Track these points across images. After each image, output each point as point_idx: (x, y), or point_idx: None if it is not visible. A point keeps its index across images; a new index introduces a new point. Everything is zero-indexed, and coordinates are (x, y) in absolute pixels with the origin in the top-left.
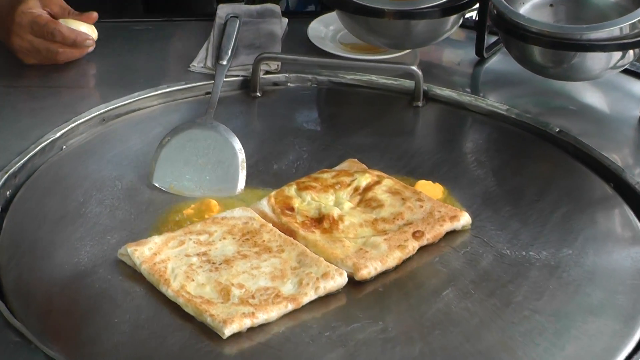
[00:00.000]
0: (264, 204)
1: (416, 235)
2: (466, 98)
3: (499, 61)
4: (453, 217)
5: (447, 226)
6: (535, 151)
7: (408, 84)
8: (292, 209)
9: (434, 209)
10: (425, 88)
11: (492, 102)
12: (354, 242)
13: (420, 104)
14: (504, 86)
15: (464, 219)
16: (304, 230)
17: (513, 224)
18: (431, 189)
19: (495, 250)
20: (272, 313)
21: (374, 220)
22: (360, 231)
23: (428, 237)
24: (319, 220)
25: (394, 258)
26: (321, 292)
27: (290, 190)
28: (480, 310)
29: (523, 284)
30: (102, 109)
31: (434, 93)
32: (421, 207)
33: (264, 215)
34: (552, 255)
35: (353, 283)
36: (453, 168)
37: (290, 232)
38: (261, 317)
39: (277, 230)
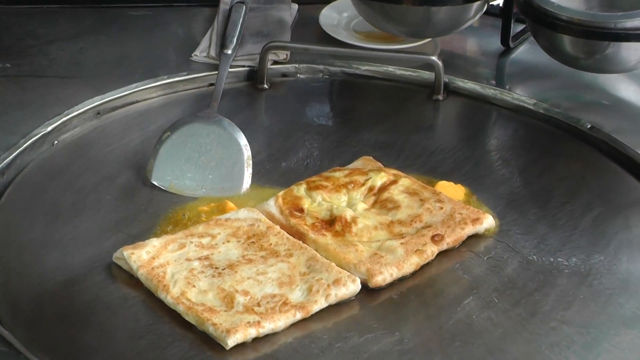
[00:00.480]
0: (271, 205)
1: (435, 239)
2: (490, 91)
3: (526, 51)
4: (475, 220)
5: (469, 229)
6: (565, 149)
7: (427, 75)
8: (301, 210)
9: (455, 211)
10: (446, 80)
11: (519, 95)
12: (368, 246)
13: (440, 97)
14: (531, 78)
15: (487, 221)
16: (314, 233)
17: (540, 227)
18: (452, 191)
19: (521, 256)
20: (279, 322)
21: (389, 223)
22: (374, 234)
23: (448, 242)
24: (331, 222)
25: (411, 264)
26: (332, 299)
27: (300, 189)
28: (505, 321)
29: (551, 293)
30: (97, 101)
31: (456, 86)
32: (441, 208)
33: (270, 217)
34: (583, 261)
35: (367, 290)
36: (476, 167)
37: (299, 235)
38: (267, 326)
39: (285, 233)
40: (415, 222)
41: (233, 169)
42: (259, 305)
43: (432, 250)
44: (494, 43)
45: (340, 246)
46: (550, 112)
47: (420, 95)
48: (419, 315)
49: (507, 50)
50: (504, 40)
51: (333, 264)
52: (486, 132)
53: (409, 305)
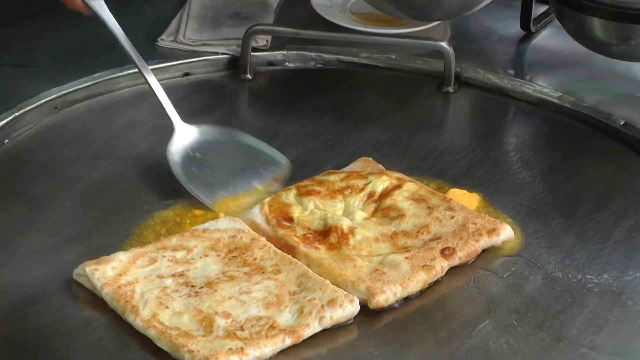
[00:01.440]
0: (256, 213)
1: (445, 252)
2: (508, 82)
3: (550, 37)
4: (491, 231)
5: (484, 242)
6: (595, 149)
7: (436, 64)
8: (290, 220)
9: (468, 221)
10: (458, 70)
11: (541, 87)
12: (367, 261)
13: (451, 89)
14: (555, 68)
15: (505, 232)
16: (305, 246)
17: (567, 240)
18: (466, 200)
19: (544, 272)
20: (265, 349)
21: (392, 234)
22: (375, 247)
23: (460, 256)
24: (325, 233)
25: (418, 281)
26: (327, 322)
27: (289, 195)
28: (526, 347)
29: (578, 315)
30: (54, 93)
31: (469, 76)
32: (452, 217)
33: (255, 227)
34: (615, 278)
35: (367, 312)
36: (492, 169)
37: (288, 248)
38: (252, 353)
39: (272, 246)
40: (422, 233)
41: (270, 150)
42: (242, 329)
43: (441, 266)
44: (513, 27)
45: (336, 261)
46: (577, 106)
47: (428, 86)
48: (426, 341)
49: (527, 35)
50: (524, 23)
51: (327, 281)
52: (504, 130)
53: (416, 329)
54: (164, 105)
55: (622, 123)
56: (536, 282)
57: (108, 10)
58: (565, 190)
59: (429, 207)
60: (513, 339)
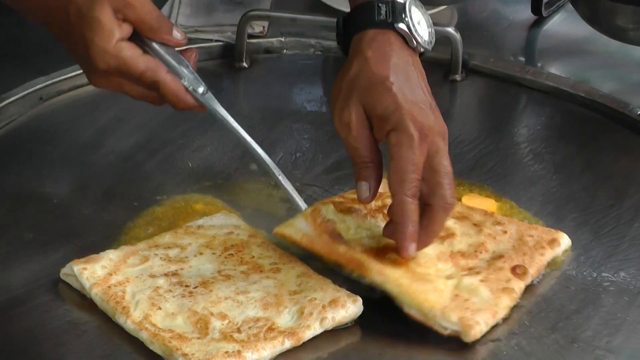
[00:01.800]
0: (304, 226)
1: (517, 271)
2: (519, 70)
3: (562, 21)
4: (552, 242)
5: (549, 254)
6: (610, 140)
7: (443, 51)
8: (339, 236)
9: (523, 234)
10: (465, 57)
11: (554, 75)
12: (443, 284)
13: (458, 77)
14: (568, 55)
15: (564, 242)
16: (376, 261)
17: (581, 236)
18: (483, 205)
19: (558, 270)
20: (263, 352)
21: (451, 254)
22: (441, 268)
23: (532, 273)
24: (382, 250)
25: (504, 307)
26: (328, 324)
27: (328, 210)
28: (538, 349)
29: (594, 315)
30: (39, 84)
31: (477, 63)
32: (505, 232)
33: (310, 242)
34: (632, 277)
35: (371, 313)
36: (502, 162)
37: (355, 264)
38: (250, 356)
39: (271, 244)
40: (481, 252)
41: None
42: (239, 331)
43: (519, 287)
44: (523, 11)
45: (415, 282)
46: (592, 95)
47: (433, 74)
48: (434, 342)
49: (539, 20)
50: (536, 7)
51: (329, 281)
52: (514, 120)
53: (422, 330)
54: (293, 197)
55: (639, 112)
56: (549, 281)
57: (220, 106)
58: (579, 184)
59: (475, 225)
60: (525, 340)
